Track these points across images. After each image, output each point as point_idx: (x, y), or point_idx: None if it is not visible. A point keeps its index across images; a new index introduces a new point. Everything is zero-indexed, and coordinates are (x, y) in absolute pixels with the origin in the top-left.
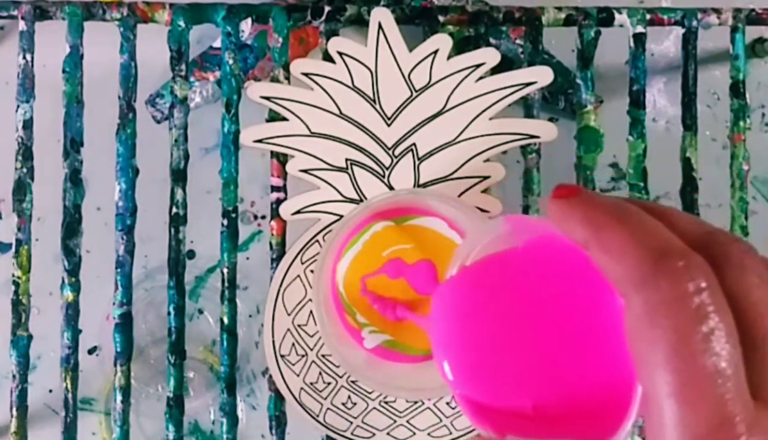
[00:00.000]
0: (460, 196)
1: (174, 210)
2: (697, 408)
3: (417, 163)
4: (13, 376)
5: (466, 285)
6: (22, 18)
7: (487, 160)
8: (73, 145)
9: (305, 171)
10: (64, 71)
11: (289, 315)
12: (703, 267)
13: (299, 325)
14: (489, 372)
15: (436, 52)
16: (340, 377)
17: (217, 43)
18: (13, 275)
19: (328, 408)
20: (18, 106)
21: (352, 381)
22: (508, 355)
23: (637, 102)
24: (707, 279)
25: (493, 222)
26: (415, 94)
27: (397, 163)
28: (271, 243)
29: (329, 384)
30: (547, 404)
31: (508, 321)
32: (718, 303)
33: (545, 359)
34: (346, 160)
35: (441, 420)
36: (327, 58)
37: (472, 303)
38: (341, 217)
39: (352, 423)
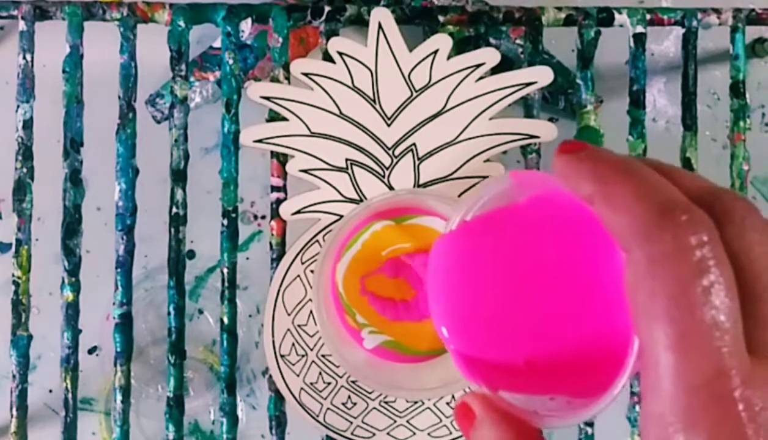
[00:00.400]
0: (460, 196)
1: (174, 210)
2: (694, 360)
3: (417, 163)
4: (13, 376)
5: (465, 240)
6: (22, 18)
7: (487, 160)
8: (73, 145)
9: (305, 171)
10: (64, 71)
11: (289, 315)
12: (705, 222)
13: (299, 325)
14: (484, 326)
15: (436, 52)
16: (340, 377)
17: (217, 43)
18: (13, 275)
19: (328, 408)
20: (18, 106)
21: (352, 381)
22: (504, 310)
23: (637, 102)
24: (709, 234)
25: (498, 178)
26: (415, 94)
27: (397, 163)
28: (271, 243)
29: (329, 384)
30: (542, 360)
31: (505, 275)
32: (718, 258)
33: (541, 314)
34: (346, 160)
35: (441, 420)
36: (327, 58)
37: (470, 258)
38: (341, 216)
39: (352, 423)
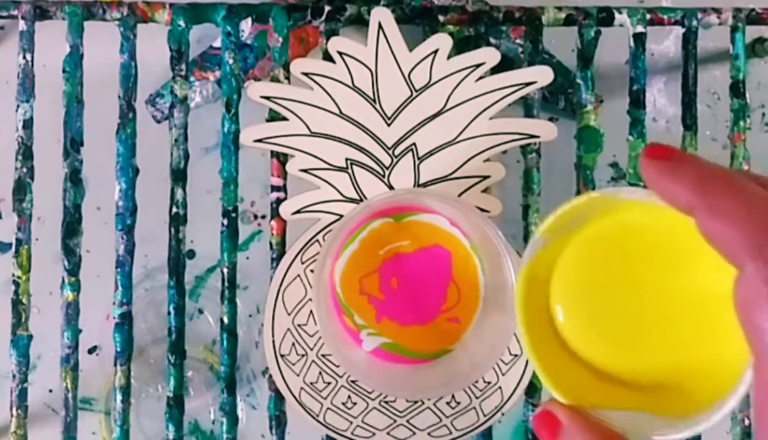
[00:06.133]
0: (460, 196)
1: (174, 210)
2: None
3: (417, 162)
4: (13, 376)
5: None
6: (22, 18)
7: (487, 160)
8: (73, 144)
9: (305, 171)
10: (64, 71)
11: (289, 315)
12: None
13: (299, 325)
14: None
15: (436, 51)
16: (340, 377)
17: (217, 43)
18: (13, 275)
19: (328, 408)
20: (18, 106)
21: (352, 381)
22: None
23: (637, 102)
24: None
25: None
26: (415, 93)
27: (397, 162)
28: (271, 243)
29: (329, 384)
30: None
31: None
32: None
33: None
34: (346, 159)
35: (441, 420)
36: (327, 57)
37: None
38: (341, 216)
39: (352, 423)
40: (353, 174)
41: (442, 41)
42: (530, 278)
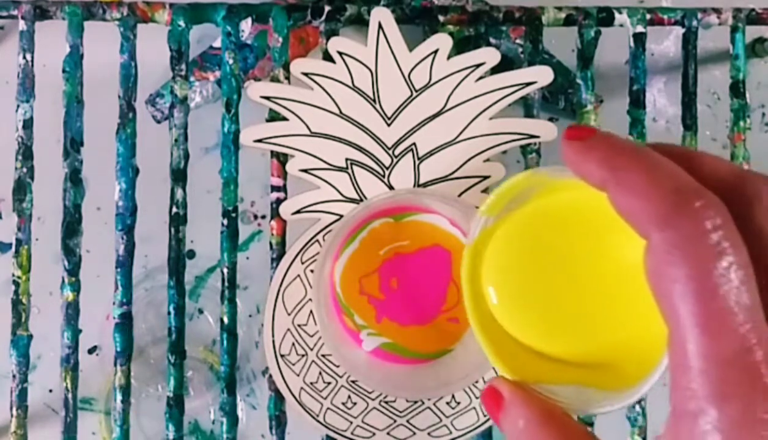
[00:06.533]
0: (460, 196)
1: (174, 210)
2: (721, 337)
3: (417, 162)
4: (13, 376)
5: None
6: (22, 18)
7: (487, 160)
8: (73, 144)
9: (305, 171)
10: (64, 71)
11: (289, 315)
12: (719, 207)
13: (299, 325)
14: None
15: (436, 51)
16: (340, 377)
17: (217, 43)
18: (13, 275)
19: (328, 408)
20: (18, 106)
21: (352, 381)
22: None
23: (637, 102)
24: (723, 217)
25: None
26: (415, 93)
27: (397, 162)
28: (271, 243)
29: (329, 384)
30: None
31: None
32: (733, 239)
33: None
34: (346, 159)
35: (441, 420)
36: (327, 57)
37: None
38: (341, 216)
39: (352, 423)
40: (353, 174)
41: (442, 41)
42: (475, 257)
